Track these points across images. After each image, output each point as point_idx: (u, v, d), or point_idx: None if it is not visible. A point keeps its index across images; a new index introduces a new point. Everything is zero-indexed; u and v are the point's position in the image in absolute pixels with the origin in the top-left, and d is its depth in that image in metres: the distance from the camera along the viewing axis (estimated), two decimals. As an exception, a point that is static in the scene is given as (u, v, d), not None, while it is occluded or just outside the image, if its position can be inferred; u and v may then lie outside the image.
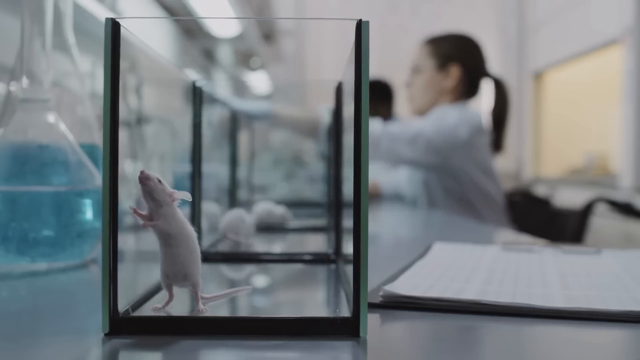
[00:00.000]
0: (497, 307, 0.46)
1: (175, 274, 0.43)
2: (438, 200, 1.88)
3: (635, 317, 0.44)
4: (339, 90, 0.69)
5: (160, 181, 0.42)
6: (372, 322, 0.45)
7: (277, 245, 0.91)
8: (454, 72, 1.95)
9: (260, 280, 0.65)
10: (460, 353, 0.40)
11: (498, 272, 0.60)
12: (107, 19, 0.38)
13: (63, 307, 0.50)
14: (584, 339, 0.42)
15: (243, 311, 0.50)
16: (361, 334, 0.39)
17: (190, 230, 0.43)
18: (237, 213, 0.80)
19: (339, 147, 0.67)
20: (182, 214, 0.43)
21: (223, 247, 0.77)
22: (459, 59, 1.96)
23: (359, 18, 0.38)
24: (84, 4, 1.17)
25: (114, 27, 0.38)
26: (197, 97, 0.66)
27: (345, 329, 0.39)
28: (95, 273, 0.66)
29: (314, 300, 0.57)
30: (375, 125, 1.80)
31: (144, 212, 0.43)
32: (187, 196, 0.43)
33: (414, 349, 0.40)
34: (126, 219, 0.97)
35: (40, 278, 0.61)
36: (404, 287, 0.50)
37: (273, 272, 0.67)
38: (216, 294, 0.48)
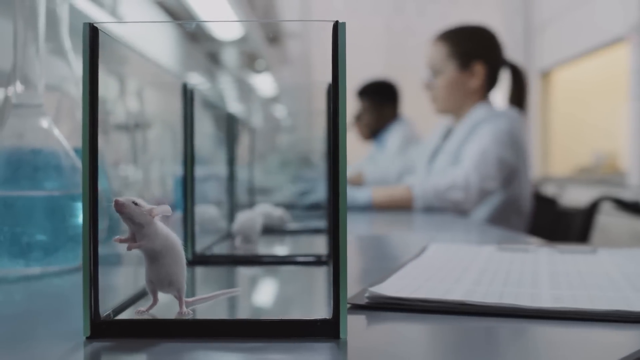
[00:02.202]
0: (483, 307, 0.46)
1: (160, 281, 0.43)
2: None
3: (621, 316, 0.43)
4: (330, 92, 0.69)
5: (136, 203, 0.42)
6: (357, 323, 0.44)
7: (274, 248, 0.91)
8: (479, 71, 1.89)
9: (252, 282, 0.65)
10: (442, 354, 0.40)
11: (489, 272, 0.60)
12: (85, 23, 0.38)
13: (54, 311, 0.50)
14: (569, 338, 0.41)
15: (231, 313, 0.50)
16: (341, 336, 0.39)
17: (174, 239, 0.43)
18: (249, 215, 0.83)
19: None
20: (164, 226, 0.43)
21: (235, 247, 0.78)
22: (482, 56, 1.91)
23: (336, 20, 0.38)
24: (84, 9, 1.17)
25: (92, 32, 0.38)
26: (187, 99, 0.66)
27: (325, 330, 0.39)
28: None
29: (303, 302, 0.57)
30: (422, 188, 1.71)
31: (126, 236, 0.43)
32: (167, 211, 0.43)
33: (396, 350, 0.39)
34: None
35: (34, 282, 0.62)
36: (391, 288, 0.50)
37: (266, 274, 0.67)
38: (202, 296, 0.48)
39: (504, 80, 2.00)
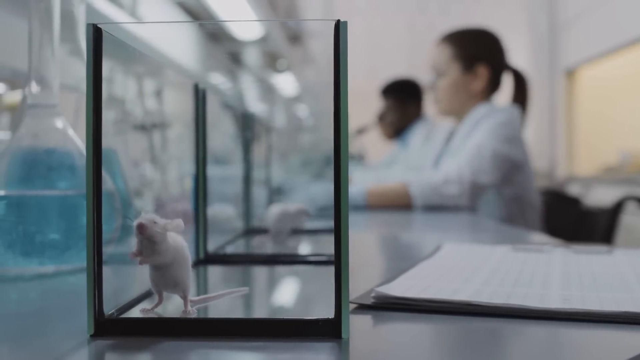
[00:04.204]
0: (488, 308, 0.45)
1: (166, 284, 0.43)
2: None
3: (628, 317, 0.43)
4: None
5: (154, 222, 0.42)
6: (363, 323, 0.44)
7: (288, 247, 0.91)
8: (482, 73, 1.90)
9: (262, 281, 0.65)
10: (443, 353, 0.40)
11: (500, 272, 0.59)
12: (88, 24, 0.38)
13: (65, 309, 0.51)
14: (575, 340, 0.41)
15: (239, 313, 0.50)
16: (343, 335, 0.39)
17: (182, 245, 0.43)
18: (281, 207, 0.85)
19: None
20: (173, 235, 0.43)
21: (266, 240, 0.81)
22: (485, 59, 1.91)
23: (337, 18, 0.38)
24: (103, 10, 1.18)
25: (95, 33, 0.38)
26: (199, 100, 0.67)
27: (327, 330, 0.39)
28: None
29: (311, 302, 0.57)
30: (418, 184, 1.71)
31: (137, 248, 0.42)
32: (180, 227, 0.43)
33: (397, 350, 0.39)
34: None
35: (48, 280, 0.62)
36: (398, 288, 0.50)
37: (277, 274, 0.67)
38: (208, 295, 0.48)
39: (507, 84, 2.00)
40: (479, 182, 1.68)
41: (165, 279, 0.43)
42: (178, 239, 0.43)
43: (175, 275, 0.43)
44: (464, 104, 1.92)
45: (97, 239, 0.39)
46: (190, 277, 0.44)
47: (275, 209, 0.86)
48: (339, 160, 0.38)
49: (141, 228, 0.41)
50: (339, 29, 0.38)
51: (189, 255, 0.44)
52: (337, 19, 0.38)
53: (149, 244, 0.42)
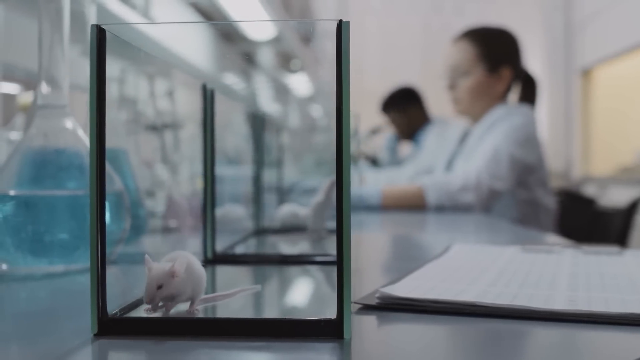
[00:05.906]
0: (493, 309, 0.45)
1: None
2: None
3: (634, 319, 0.42)
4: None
5: (160, 286, 0.42)
6: (367, 323, 0.44)
7: (297, 247, 0.91)
8: (506, 76, 1.87)
9: (268, 281, 0.65)
10: (446, 355, 0.39)
11: (508, 273, 0.59)
12: (92, 25, 0.38)
13: (72, 308, 0.51)
14: (579, 341, 0.41)
15: (243, 313, 0.50)
16: (345, 336, 0.39)
17: (191, 265, 0.43)
18: (290, 208, 0.86)
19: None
20: (181, 263, 0.42)
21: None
22: (509, 61, 1.88)
23: (339, 18, 0.38)
24: (115, 11, 1.19)
25: (99, 34, 0.39)
26: (207, 100, 0.67)
27: (329, 330, 0.39)
28: (112, 274, 0.67)
29: (318, 302, 0.57)
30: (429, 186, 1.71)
31: (157, 302, 0.42)
32: (183, 264, 0.42)
33: (399, 350, 0.39)
34: (152, 221, 0.99)
35: (58, 280, 0.63)
36: (403, 288, 0.50)
37: (284, 274, 0.67)
38: (220, 293, 0.48)
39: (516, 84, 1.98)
40: (495, 188, 1.67)
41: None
42: (191, 261, 0.43)
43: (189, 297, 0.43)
44: (485, 105, 1.88)
45: (100, 239, 0.39)
46: (203, 290, 0.44)
47: (311, 208, 0.87)
48: (340, 160, 0.38)
49: (167, 307, 0.42)
50: (341, 29, 0.38)
51: (201, 271, 0.44)
52: (339, 19, 0.38)
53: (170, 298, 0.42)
